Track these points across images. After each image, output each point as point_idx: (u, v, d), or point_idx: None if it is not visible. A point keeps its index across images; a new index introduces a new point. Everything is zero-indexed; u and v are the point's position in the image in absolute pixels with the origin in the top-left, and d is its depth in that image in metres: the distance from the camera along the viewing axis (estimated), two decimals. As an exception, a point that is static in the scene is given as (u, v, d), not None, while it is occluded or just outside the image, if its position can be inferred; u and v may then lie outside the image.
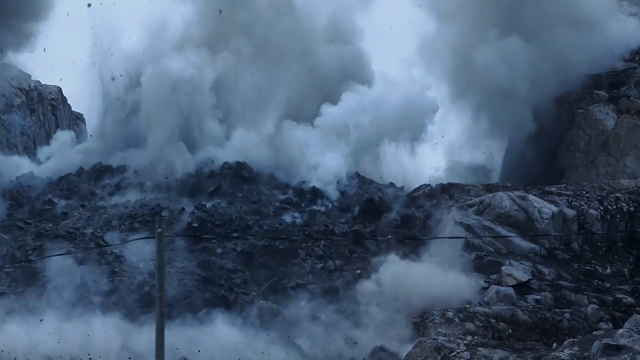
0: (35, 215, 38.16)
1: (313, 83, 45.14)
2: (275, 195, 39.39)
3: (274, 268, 33.51)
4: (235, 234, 35.57)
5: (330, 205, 38.63)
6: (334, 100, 44.03)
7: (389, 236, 35.67)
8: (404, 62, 49.26)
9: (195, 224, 35.80)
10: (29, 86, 54.38)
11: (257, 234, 35.52)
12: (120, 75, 45.27)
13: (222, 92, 44.00)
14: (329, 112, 43.34)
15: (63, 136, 50.32)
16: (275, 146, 41.94)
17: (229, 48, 44.48)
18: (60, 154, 46.97)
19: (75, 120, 57.67)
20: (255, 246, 34.14)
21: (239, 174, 40.37)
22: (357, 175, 41.46)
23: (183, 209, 37.17)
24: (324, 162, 40.90)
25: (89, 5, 45.81)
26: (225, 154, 41.43)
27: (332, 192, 39.54)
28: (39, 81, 55.90)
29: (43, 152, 48.90)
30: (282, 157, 41.52)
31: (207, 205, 37.88)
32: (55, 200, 39.71)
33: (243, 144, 41.87)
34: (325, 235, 35.54)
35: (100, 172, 42.14)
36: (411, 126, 44.73)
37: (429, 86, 46.38)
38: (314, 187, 39.65)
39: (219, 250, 34.45)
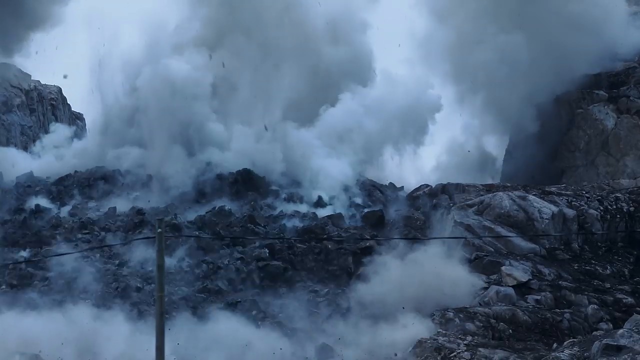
0: (26, 227, 37.63)
1: (315, 84, 44.98)
2: (280, 204, 39.15)
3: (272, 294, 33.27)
4: (235, 237, 35.52)
5: (335, 213, 38.42)
6: (336, 101, 43.91)
7: (389, 237, 35.65)
8: (406, 61, 49.31)
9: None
10: (29, 86, 54.40)
11: (259, 238, 35.47)
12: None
13: (222, 94, 43.80)
14: (332, 114, 43.23)
15: (61, 130, 50.29)
16: (279, 150, 41.60)
17: (229, 49, 44.28)
18: (58, 153, 46.88)
19: (75, 120, 57.65)
20: (252, 270, 33.96)
21: (243, 183, 40.08)
22: (363, 182, 41.22)
23: (182, 225, 36.77)
24: (328, 168, 40.74)
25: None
26: (227, 159, 41.15)
27: (338, 201, 39.37)
28: (39, 81, 55.93)
29: (40, 144, 48.87)
30: (285, 162, 41.18)
31: (208, 215, 37.69)
32: (49, 205, 39.42)
33: (245, 148, 41.53)
34: (329, 244, 35.44)
35: (96, 177, 41.73)
36: (414, 125, 44.73)
37: (432, 85, 46.43)
38: (320, 196, 39.49)
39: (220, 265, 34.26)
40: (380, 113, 44.25)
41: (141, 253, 33.72)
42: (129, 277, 32.98)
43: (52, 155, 46.85)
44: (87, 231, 36.83)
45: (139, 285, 32.60)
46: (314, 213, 38.11)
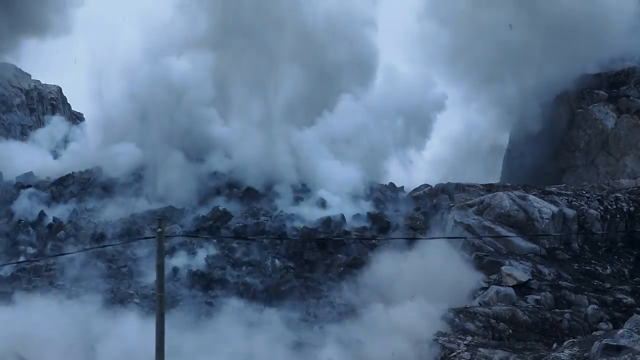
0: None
1: (319, 84, 44.64)
2: (283, 206, 39.05)
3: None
4: (235, 237, 35.52)
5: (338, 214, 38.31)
6: (339, 101, 43.66)
7: (389, 237, 35.66)
8: (409, 60, 49.15)
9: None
10: (29, 86, 54.44)
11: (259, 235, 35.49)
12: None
13: (224, 95, 43.48)
14: (335, 115, 42.96)
15: (59, 123, 50.26)
16: (283, 153, 41.24)
17: (231, 49, 43.92)
18: (57, 151, 46.75)
19: (75, 120, 57.65)
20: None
21: (247, 192, 39.96)
22: (365, 183, 41.06)
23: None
24: (331, 169, 40.52)
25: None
26: (230, 163, 40.88)
27: (341, 202, 39.20)
28: (39, 81, 55.96)
29: (37, 135, 48.86)
30: (289, 164, 40.83)
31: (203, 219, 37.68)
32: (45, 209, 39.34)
33: (248, 151, 41.16)
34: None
35: (95, 179, 41.53)
36: (417, 125, 44.63)
37: (434, 84, 46.30)
38: (322, 198, 39.39)
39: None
40: (383, 113, 44.09)
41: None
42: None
43: (52, 152, 46.78)
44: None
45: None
46: (329, 217, 37.78)
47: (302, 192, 40.01)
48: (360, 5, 47.80)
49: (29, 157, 45.19)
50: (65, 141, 48.58)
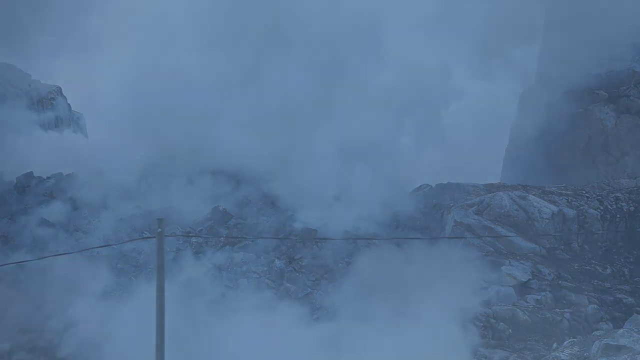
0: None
1: (326, 81, 44.33)
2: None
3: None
4: (235, 237, 35.54)
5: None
6: (345, 98, 43.39)
7: (389, 237, 35.68)
8: (415, 55, 48.91)
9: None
10: (29, 86, 54.42)
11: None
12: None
13: (231, 95, 43.30)
14: (347, 118, 42.71)
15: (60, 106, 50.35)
16: (286, 153, 40.95)
17: (235, 49, 43.66)
18: (59, 151, 46.71)
19: (76, 121, 57.61)
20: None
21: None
22: (367, 182, 40.85)
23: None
24: (333, 169, 40.34)
25: None
26: (234, 165, 40.71)
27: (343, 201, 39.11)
28: (39, 81, 55.93)
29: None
30: (293, 163, 40.55)
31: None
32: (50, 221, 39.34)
33: (248, 151, 40.97)
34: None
35: (94, 180, 41.46)
36: (425, 121, 44.45)
37: (448, 74, 46.04)
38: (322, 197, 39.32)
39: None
40: (395, 111, 43.87)
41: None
42: None
43: (51, 151, 46.74)
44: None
45: None
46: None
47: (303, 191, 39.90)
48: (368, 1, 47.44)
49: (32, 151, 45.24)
50: (68, 125, 48.67)
